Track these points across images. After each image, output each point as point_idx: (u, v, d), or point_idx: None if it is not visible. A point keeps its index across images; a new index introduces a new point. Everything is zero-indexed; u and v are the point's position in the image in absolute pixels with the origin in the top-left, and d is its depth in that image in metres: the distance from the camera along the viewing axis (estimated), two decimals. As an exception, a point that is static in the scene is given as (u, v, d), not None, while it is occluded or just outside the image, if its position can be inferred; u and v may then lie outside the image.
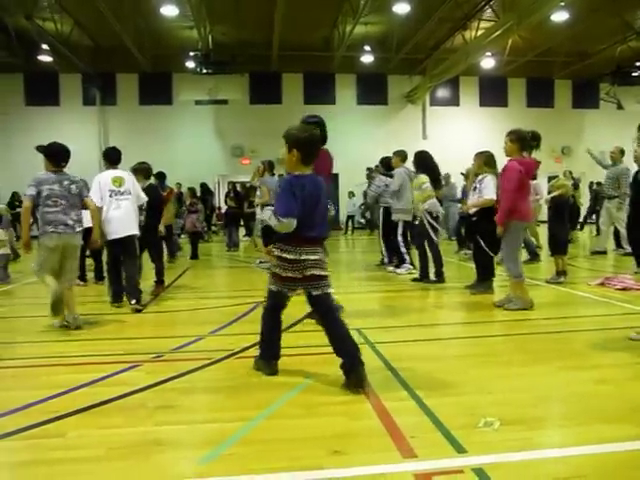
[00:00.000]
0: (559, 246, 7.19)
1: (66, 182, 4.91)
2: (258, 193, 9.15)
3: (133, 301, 5.84)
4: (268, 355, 3.52)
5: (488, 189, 6.17)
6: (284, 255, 3.26)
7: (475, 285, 6.51)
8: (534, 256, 9.24)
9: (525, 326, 4.81)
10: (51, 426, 2.73)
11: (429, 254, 7.44)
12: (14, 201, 17.84)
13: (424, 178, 7.42)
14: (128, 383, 3.33)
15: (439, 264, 7.37)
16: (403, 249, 8.35)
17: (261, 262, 9.02)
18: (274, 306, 3.49)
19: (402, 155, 8.40)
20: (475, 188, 6.38)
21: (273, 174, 9.06)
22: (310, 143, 3.33)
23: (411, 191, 7.85)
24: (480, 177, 6.37)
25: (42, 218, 4.84)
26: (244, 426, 2.67)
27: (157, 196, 7.26)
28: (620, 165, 9.50)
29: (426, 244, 7.42)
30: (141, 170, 6.98)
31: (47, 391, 3.18)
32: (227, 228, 13.64)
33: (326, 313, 3.36)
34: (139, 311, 5.78)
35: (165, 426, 2.73)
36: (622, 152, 9.49)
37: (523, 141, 5.35)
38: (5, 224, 10.69)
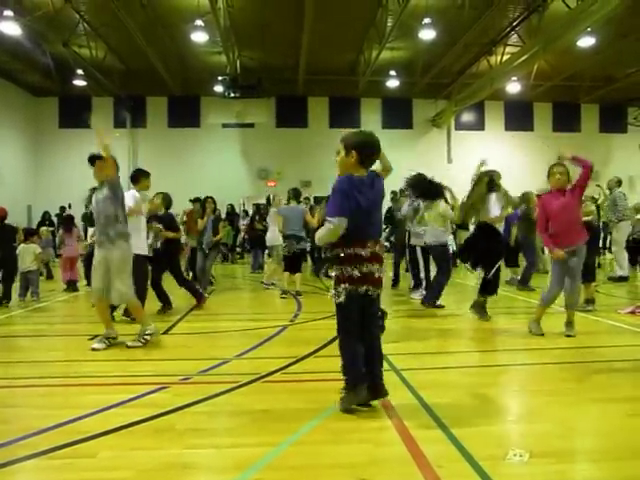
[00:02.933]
0: (587, 273, 7.07)
1: (100, 197, 5.11)
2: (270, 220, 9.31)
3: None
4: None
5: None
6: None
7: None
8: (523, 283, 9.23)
9: (552, 355, 4.74)
10: (83, 446, 2.78)
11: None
12: (45, 220, 18.29)
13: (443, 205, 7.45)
14: (157, 405, 3.38)
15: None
16: (422, 274, 8.34)
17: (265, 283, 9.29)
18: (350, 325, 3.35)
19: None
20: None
21: (299, 202, 9.08)
22: (369, 145, 3.31)
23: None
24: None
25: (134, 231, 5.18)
26: (271, 451, 2.69)
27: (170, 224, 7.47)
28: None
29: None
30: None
31: (78, 411, 3.24)
32: (252, 250, 13.76)
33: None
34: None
35: (193, 449, 2.76)
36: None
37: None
38: (45, 243, 11.12)
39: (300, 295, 8.48)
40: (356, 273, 3.17)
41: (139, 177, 6.48)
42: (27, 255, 8.45)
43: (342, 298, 3.20)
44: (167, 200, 7.48)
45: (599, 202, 11.15)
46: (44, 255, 11.19)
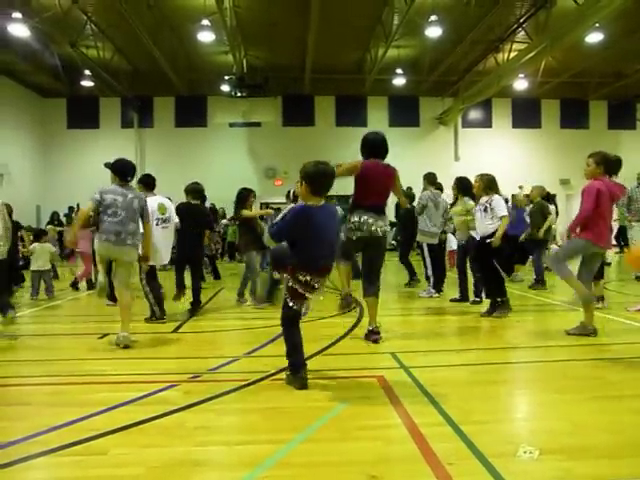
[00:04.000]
0: (597, 270, 7.03)
1: (130, 195, 5.09)
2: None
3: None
4: (295, 366, 3.68)
5: (500, 207, 6.31)
6: (300, 277, 3.56)
7: (492, 310, 6.47)
8: (540, 282, 9.09)
9: (562, 352, 4.72)
10: (94, 443, 2.80)
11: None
12: (53, 220, 18.39)
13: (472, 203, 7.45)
14: (167, 402, 3.40)
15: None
16: (429, 272, 8.33)
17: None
18: (293, 318, 3.71)
19: (429, 178, 8.46)
20: (485, 209, 6.41)
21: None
22: (316, 177, 3.57)
23: (436, 214, 7.99)
24: (486, 198, 6.42)
25: (99, 226, 5.02)
26: (281, 449, 2.69)
27: (201, 216, 7.41)
28: None
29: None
30: (192, 190, 7.26)
31: (89, 409, 3.27)
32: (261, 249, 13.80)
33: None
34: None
35: (203, 447, 2.77)
36: None
37: (608, 164, 5.14)
38: (50, 243, 11.15)
39: None
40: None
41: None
42: (43, 254, 8.57)
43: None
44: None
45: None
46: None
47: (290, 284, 3.61)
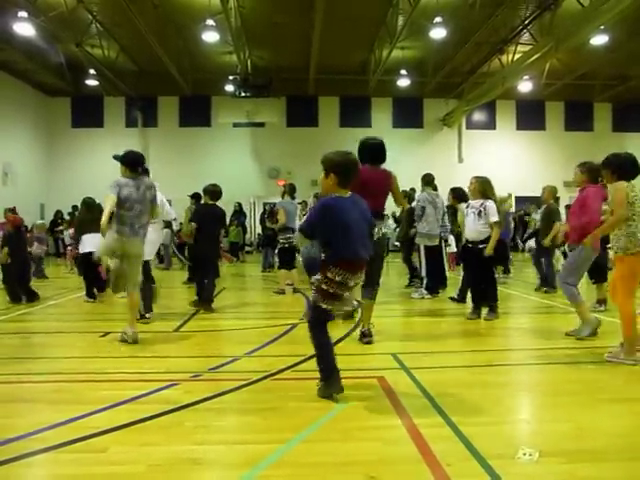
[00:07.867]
0: (600, 273, 7.02)
1: (142, 187, 5.17)
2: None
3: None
4: (328, 371, 3.43)
5: (493, 213, 6.33)
6: (334, 277, 3.36)
7: (478, 313, 6.49)
8: (549, 285, 8.79)
9: (565, 355, 4.70)
10: (94, 441, 2.81)
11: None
12: (57, 219, 18.45)
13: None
14: (167, 401, 3.40)
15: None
16: (423, 273, 8.32)
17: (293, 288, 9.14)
18: (323, 320, 3.53)
19: (425, 179, 8.46)
20: (480, 213, 6.40)
21: (293, 198, 9.12)
22: (346, 166, 3.43)
23: (434, 216, 8.00)
24: (480, 202, 6.43)
25: (115, 218, 5.03)
26: (280, 448, 2.69)
27: (218, 216, 7.47)
28: None
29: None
30: (209, 192, 7.34)
31: (90, 406, 3.28)
32: (263, 249, 13.87)
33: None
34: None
35: (202, 445, 2.77)
36: None
37: (592, 173, 5.34)
38: (40, 239, 11.10)
39: (298, 291, 8.68)
40: None
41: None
42: None
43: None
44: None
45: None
46: (37, 251, 10.98)
47: (322, 286, 3.38)
